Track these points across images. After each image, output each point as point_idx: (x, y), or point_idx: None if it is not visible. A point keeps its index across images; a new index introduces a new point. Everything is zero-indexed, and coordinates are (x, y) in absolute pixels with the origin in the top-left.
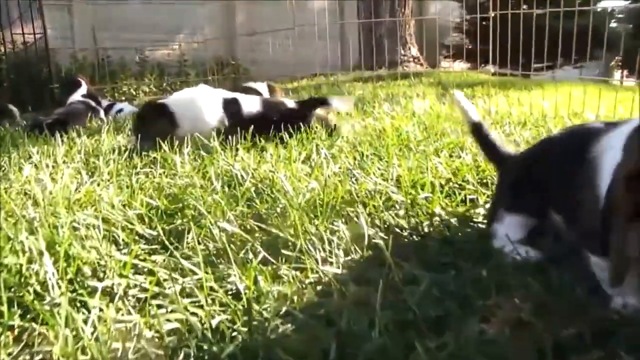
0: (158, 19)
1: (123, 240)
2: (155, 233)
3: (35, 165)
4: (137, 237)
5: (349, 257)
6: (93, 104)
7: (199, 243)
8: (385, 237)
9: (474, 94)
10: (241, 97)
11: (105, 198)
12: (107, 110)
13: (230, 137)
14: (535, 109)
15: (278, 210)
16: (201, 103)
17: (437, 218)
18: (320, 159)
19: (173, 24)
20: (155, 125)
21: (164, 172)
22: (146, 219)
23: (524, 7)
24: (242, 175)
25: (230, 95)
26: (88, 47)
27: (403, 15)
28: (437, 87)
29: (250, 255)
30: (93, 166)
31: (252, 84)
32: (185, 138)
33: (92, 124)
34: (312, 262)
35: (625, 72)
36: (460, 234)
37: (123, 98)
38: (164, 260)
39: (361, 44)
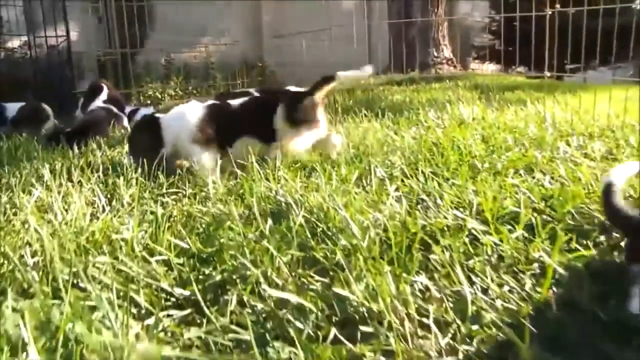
0: (183, 19)
1: (145, 306)
2: (187, 293)
3: (47, 185)
4: (163, 296)
5: (449, 334)
6: (115, 110)
7: (244, 305)
8: (491, 300)
9: (519, 97)
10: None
11: (125, 233)
12: (131, 116)
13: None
14: (587, 115)
15: (340, 256)
16: (189, 119)
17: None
18: (375, 180)
19: (199, 25)
20: (142, 141)
21: (194, 195)
22: (174, 268)
23: (557, 5)
24: (288, 203)
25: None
26: (112, 49)
27: (436, 15)
28: (476, 91)
29: (311, 327)
30: (112, 187)
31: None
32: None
33: (115, 132)
34: (401, 343)
35: None
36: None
37: (148, 102)
38: (200, 338)
39: (391, 45)
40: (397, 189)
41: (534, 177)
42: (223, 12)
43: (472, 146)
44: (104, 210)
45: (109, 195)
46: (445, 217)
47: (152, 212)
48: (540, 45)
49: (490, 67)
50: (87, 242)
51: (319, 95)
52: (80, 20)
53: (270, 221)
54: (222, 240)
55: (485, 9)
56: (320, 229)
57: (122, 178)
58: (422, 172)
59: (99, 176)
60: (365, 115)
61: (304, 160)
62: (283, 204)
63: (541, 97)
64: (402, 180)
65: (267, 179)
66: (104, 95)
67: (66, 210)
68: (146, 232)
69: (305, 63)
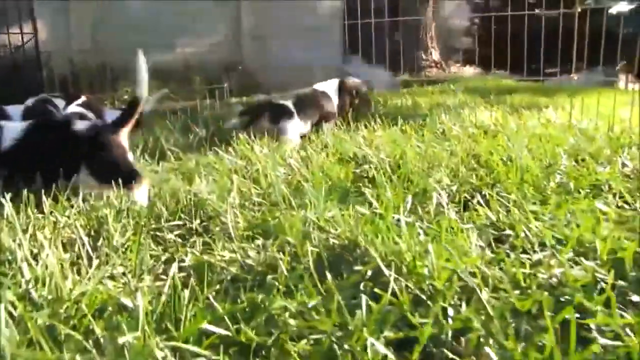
0: (159, 20)
1: None
2: None
3: (9, 221)
4: None
5: None
6: (91, 115)
7: None
8: None
9: (526, 102)
10: None
11: (127, 301)
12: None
13: None
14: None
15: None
16: None
17: None
18: (432, 207)
19: (176, 26)
20: None
21: (205, 229)
22: None
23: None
24: (344, 246)
25: None
26: (86, 49)
27: (425, 17)
28: (475, 95)
29: None
30: (96, 220)
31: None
32: None
33: None
34: None
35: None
36: None
37: (123, 106)
38: None
39: (373, 46)
40: (466, 219)
41: (612, 198)
42: (203, 12)
43: (522, 160)
44: (89, 260)
45: (92, 232)
46: (571, 266)
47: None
48: (519, 47)
49: (469, 70)
50: (66, 323)
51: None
52: (49, 17)
53: (329, 275)
54: (277, 317)
55: (465, 12)
56: (411, 289)
57: (110, 215)
58: (484, 194)
59: (78, 210)
60: (376, 122)
61: (334, 179)
62: (336, 247)
63: (548, 101)
64: (465, 205)
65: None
66: (78, 100)
67: (35, 260)
68: (156, 303)
69: (287, 66)
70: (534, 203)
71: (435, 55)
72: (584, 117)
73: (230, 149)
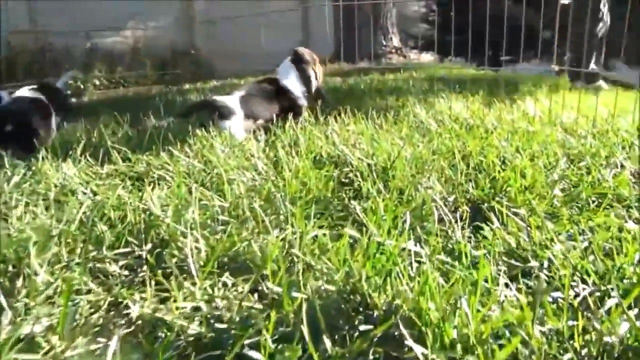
0: (108, 4)
1: None
2: None
3: None
4: None
5: None
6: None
7: None
8: None
9: (496, 92)
10: None
11: None
12: None
13: None
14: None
15: None
16: None
17: None
18: (434, 225)
19: (122, 7)
20: None
21: (164, 266)
22: None
23: None
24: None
25: None
26: (24, 29)
27: (384, 3)
28: (443, 84)
29: None
30: (15, 258)
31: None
32: None
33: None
34: None
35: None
36: None
37: (69, 92)
38: None
39: (330, 32)
40: (476, 244)
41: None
42: None
43: (516, 161)
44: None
45: (9, 267)
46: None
47: None
48: (479, 35)
49: (426, 57)
50: None
51: None
52: None
53: (326, 340)
54: None
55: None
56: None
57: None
58: (490, 207)
59: None
60: (347, 114)
61: (311, 188)
62: (330, 291)
63: (521, 91)
64: (472, 225)
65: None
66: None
67: None
68: None
69: (241, 51)
70: (548, 219)
71: (396, 41)
72: (559, 110)
73: (186, 146)
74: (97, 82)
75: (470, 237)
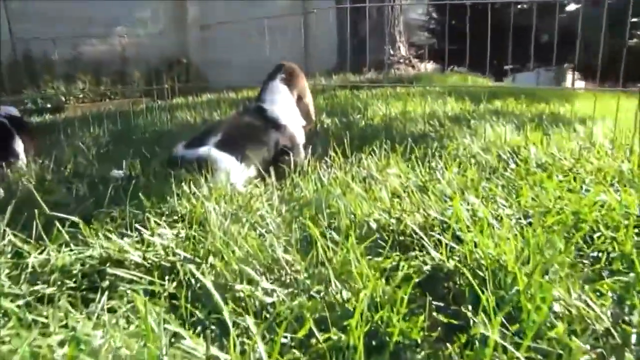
0: (91, 5)
1: None
2: None
3: None
4: None
5: None
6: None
7: None
8: None
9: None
10: None
11: None
12: None
13: None
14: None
15: None
16: None
17: None
18: None
19: (110, 13)
20: None
21: None
22: None
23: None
24: None
25: None
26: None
27: (392, 9)
28: (464, 101)
29: None
30: None
31: None
32: None
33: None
34: None
35: (577, 76)
36: None
37: (48, 105)
38: None
39: (329, 40)
40: None
41: None
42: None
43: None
44: None
45: None
46: None
47: None
48: (482, 45)
49: (428, 67)
50: None
51: None
52: None
53: None
54: None
55: (423, 8)
56: None
57: None
58: None
59: None
60: (369, 148)
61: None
62: None
63: (547, 108)
64: None
65: None
66: None
67: None
68: None
69: (236, 61)
70: None
71: (404, 50)
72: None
73: (165, 208)
74: (80, 95)
75: None
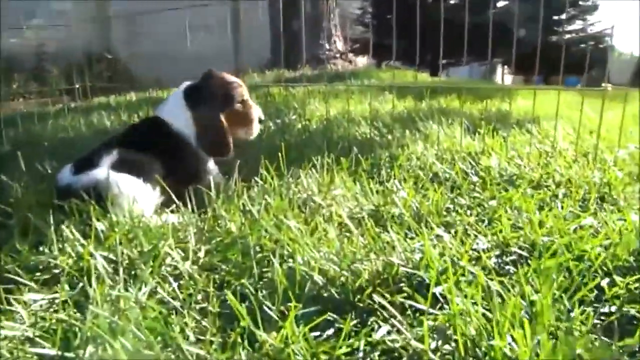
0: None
1: None
2: None
3: None
4: None
5: None
6: None
7: None
8: None
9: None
10: None
11: None
12: None
13: None
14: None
15: None
16: None
17: None
18: None
19: (24, 4)
20: None
21: None
22: None
23: None
24: None
25: None
26: None
27: (327, 1)
28: (407, 97)
29: None
30: None
31: None
32: None
33: None
34: None
35: (506, 70)
36: None
37: None
38: None
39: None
40: None
41: None
42: None
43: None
44: None
45: None
46: None
47: None
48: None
49: (362, 61)
50: None
51: None
52: None
53: None
54: None
55: (357, 2)
56: None
57: None
58: None
59: None
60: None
61: None
62: None
63: (492, 105)
64: None
65: None
66: None
67: None
68: None
69: (162, 55)
70: None
71: (340, 45)
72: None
73: (42, 259)
74: None
75: None
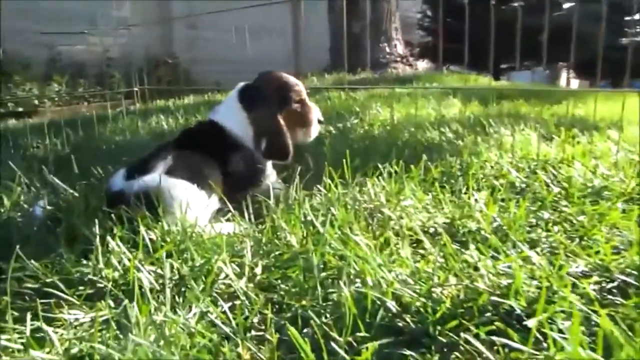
0: (67, 4)
1: None
2: None
3: None
4: None
5: None
6: None
7: None
8: None
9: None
10: None
11: None
12: None
13: None
14: None
15: None
16: None
17: None
18: None
19: (86, 12)
20: None
21: None
22: None
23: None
24: None
25: None
26: None
27: (388, 4)
28: (472, 102)
29: None
30: None
31: None
32: None
33: None
34: None
35: (572, 74)
36: None
37: (21, 109)
38: None
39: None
40: None
41: None
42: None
43: None
44: None
45: None
46: None
47: None
48: (479, 43)
49: (422, 65)
50: None
51: None
52: None
53: None
54: None
55: (417, 5)
56: None
57: None
58: None
59: None
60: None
61: None
62: None
63: (566, 110)
64: None
65: None
66: None
67: None
68: None
69: (222, 60)
70: None
71: (401, 48)
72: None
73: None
74: (55, 97)
75: None
